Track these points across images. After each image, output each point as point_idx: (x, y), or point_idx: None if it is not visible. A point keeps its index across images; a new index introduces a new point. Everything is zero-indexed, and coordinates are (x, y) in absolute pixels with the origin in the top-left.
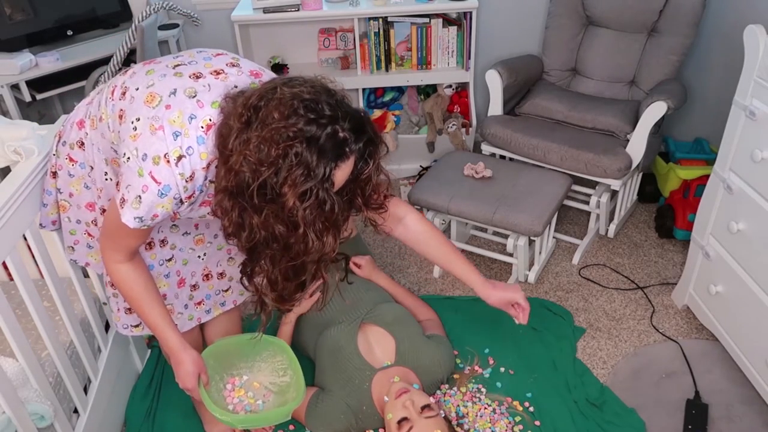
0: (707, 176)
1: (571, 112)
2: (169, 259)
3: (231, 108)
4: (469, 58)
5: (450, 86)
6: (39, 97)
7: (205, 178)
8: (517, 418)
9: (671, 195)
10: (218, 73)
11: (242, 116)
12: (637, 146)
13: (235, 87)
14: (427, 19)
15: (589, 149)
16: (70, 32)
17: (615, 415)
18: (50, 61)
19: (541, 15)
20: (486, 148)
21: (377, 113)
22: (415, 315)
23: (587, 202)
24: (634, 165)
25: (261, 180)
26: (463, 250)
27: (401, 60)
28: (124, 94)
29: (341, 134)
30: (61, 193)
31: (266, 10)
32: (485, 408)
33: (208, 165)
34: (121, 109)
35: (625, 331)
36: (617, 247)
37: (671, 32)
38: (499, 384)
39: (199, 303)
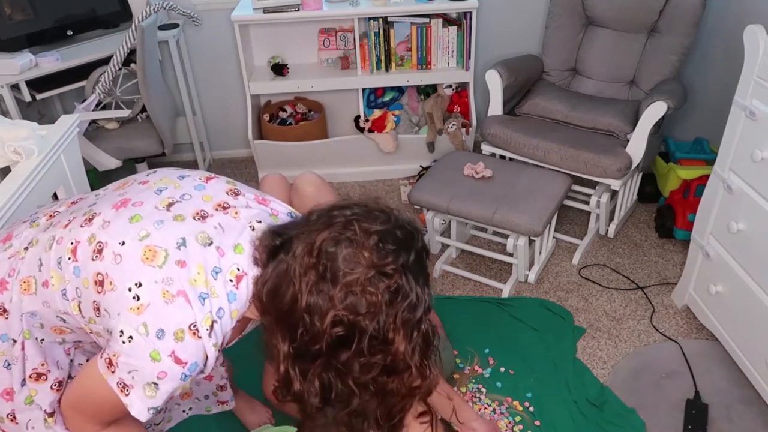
0: (707, 176)
1: (571, 112)
2: None
3: (280, 259)
4: (469, 58)
5: (450, 86)
6: (39, 97)
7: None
8: (517, 418)
9: (671, 195)
10: (225, 208)
11: (315, 266)
12: (637, 146)
13: (259, 222)
14: (427, 19)
15: (589, 149)
16: (70, 32)
17: (615, 415)
18: (50, 61)
19: (541, 15)
20: (486, 148)
21: (377, 113)
22: None
23: (587, 202)
24: (634, 165)
25: (367, 334)
26: (463, 250)
27: (401, 60)
28: (100, 251)
29: (417, 252)
30: None
31: (266, 10)
32: (485, 408)
33: (238, 321)
34: (99, 273)
35: (625, 331)
36: (617, 247)
37: (671, 32)
38: (499, 384)
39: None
